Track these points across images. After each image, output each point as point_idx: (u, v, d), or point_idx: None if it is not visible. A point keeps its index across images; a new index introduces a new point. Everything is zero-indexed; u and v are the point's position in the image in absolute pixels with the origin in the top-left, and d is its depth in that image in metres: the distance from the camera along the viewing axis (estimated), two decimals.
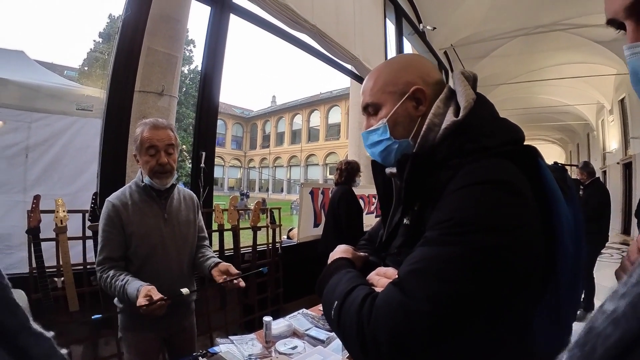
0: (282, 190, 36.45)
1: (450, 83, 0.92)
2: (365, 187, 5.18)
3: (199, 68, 26.55)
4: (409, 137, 0.87)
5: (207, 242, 2.01)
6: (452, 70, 9.18)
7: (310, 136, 35.56)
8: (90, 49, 25.80)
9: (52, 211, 2.30)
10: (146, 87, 2.76)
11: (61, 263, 2.32)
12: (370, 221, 4.98)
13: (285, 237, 4.54)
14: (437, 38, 7.96)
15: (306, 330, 1.87)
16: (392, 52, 6.33)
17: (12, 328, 0.35)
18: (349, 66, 5.19)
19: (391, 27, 6.44)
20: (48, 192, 2.51)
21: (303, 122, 36.21)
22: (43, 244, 2.25)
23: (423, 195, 0.78)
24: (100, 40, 25.26)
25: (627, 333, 0.26)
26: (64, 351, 0.40)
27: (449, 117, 0.80)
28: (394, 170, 0.88)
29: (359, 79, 5.48)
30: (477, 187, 0.67)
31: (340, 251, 0.99)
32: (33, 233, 2.22)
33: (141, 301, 1.39)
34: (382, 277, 0.79)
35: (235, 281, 1.66)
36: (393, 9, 6.36)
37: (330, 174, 31.40)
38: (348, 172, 3.72)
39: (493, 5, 7.32)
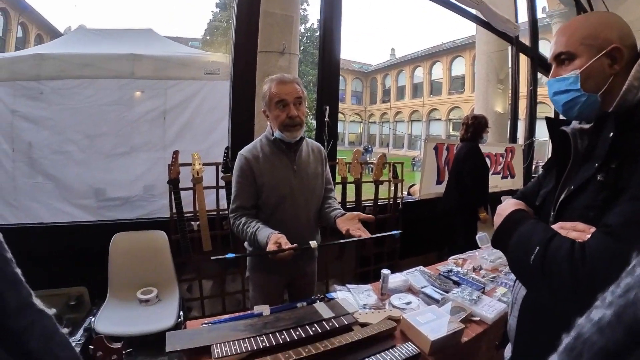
0: (402, 146, 34.88)
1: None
2: (492, 144, 4.76)
3: (315, 26, 26.55)
4: (597, 93, 0.90)
5: (333, 194, 2.04)
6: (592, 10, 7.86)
7: (432, 89, 33.16)
8: (210, 19, 27.47)
9: (189, 164, 2.59)
10: (267, 47, 2.89)
11: (197, 209, 2.63)
12: (496, 182, 4.64)
13: (406, 193, 4.42)
14: None
15: (422, 287, 1.83)
16: None
17: (13, 304, 0.36)
18: (473, 11, 4.73)
19: None
20: (183, 148, 2.80)
21: (424, 74, 33.68)
22: (182, 193, 2.58)
23: (622, 154, 0.82)
24: (218, 10, 26.67)
25: (610, 342, 0.28)
26: (65, 330, 0.42)
27: None
28: (584, 126, 0.97)
29: (485, 24, 4.96)
30: None
31: (515, 203, 1.08)
32: (173, 183, 2.55)
33: (271, 247, 1.49)
34: (570, 230, 0.85)
35: (359, 232, 1.62)
36: None
37: (453, 129, 29.37)
38: (475, 127, 3.42)
39: None
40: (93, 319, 2.24)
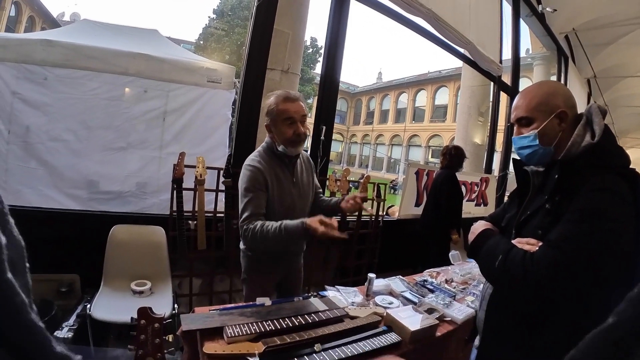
0: (381, 168, 35.31)
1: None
2: (468, 174, 5.14)
3: (307, 43, 26.54)
4: (551, 146, 1.21)
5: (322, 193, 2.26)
6: (572, 57, 8.41)
7: (415, 116, 34.00)
8: (206, 24, 27.73)
9: (192, 166, 2.73)
10: (274, 65, 3.09)
11: (196, 209, 2.76)
12: (469, 208, 4.97)
13: (384, 213, 4.72)
14: (558, 21, 7.27)
15: (401, 292, 2.09)
16: (507, 36, 6.07)
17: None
18: (461, 50, 5.07)
19: (507, 8, 6.12)
20: (179, 150, 2.86)
21: (409, 101, 34.54)
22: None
23: (563, 190, 1.12)
24: (215, 16, 26.85)
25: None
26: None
27: (587, 139, 1.15)
28: (539, 169, 1.27)
29: (471, 63, 5.34)
30: (605, 192, 1.04)
31: (485, 224, 1.40)
32: (177, 183, 2.67)
33: (318, 225, 1.59)
34: (524, 244, 1.14)
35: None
36: None
37: (432, 156, 30.42)
38: (454, 157, 3.78)
39: None
40: (89, 306, 2.28)
